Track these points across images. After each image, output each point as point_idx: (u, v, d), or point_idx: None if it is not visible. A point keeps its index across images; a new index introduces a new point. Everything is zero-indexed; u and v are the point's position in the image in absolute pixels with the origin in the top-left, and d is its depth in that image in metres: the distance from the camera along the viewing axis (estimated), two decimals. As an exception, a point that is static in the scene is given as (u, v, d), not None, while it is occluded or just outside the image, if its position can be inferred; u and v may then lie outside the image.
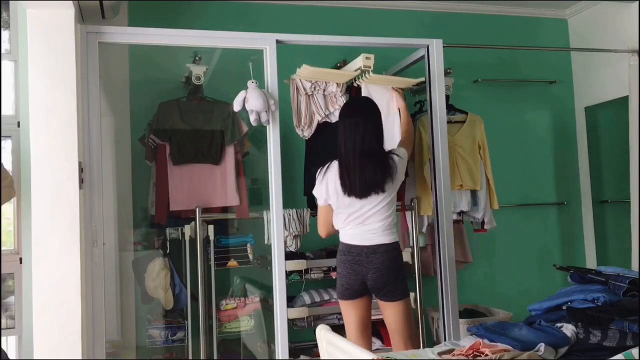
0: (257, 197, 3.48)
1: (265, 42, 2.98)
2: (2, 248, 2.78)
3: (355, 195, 2.54)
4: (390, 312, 2.62)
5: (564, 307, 2.24)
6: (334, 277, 2.68)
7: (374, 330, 3.28)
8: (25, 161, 2.70)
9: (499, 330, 2.18)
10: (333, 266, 3.20)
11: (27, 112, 2.63)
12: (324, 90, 3.11)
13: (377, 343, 3.34)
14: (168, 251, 3.36)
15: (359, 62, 3.03)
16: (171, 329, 3.31)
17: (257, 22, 3.73)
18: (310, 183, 2.96)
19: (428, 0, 4.07)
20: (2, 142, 2.78)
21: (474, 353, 1.95)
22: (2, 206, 2.58)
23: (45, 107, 2.58)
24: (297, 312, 3.20)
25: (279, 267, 2.93)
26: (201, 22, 3.54)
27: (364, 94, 3.08)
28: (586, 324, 2.05)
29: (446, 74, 3.40)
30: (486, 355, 1.91)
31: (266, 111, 2.86)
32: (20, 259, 2.77)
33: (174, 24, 3.47)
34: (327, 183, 2.61)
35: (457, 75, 3.74)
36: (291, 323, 3.20)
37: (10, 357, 2.65)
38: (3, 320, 2.76)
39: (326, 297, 3.31)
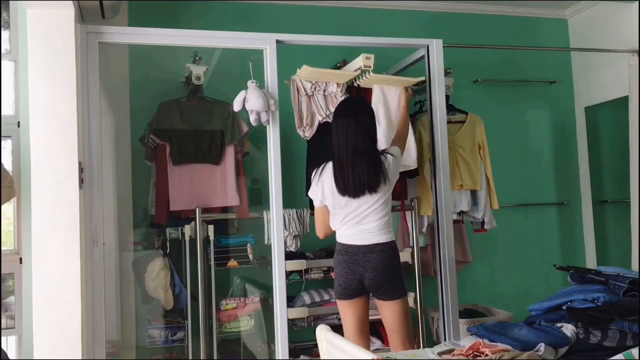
0: (257, 197, 3.48)
1: (265, 42, 2.98)
2: (2, 248, 2.78)
3: (349, 195, 2.55)
4: (387, 312, 2.62)
5: (564, 307, 2.24)
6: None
7: (374, 330, 3.28)
8: (25, 161, 2.70)
9: (499, 330, 2.18)
10: (333, 266, 3.20)
11: (27, 112, 2.63)
12: (324, 90, 3.11)
13: (377, 343, 3.34)
14: (168, 251, 3.36)
15: (359, 62, 3.03)
16: (171, 329, 3.31)
17: (257, 22, 3.73)
18: (310, 183, 2.96)
19: (428, 0, 4.07)
20: (2, 142, 2.78)
21: (474, 353, 1.95)
22: (2, 206, 2.58)
23: (45, 107, 2.58)
24: (297, 312, 3.20)
25: (279, 267, 2.93)
26: (201, 22, 3.54)
27: (376, 95, 3.09)
28: (586, 324, 2.05)
29: (446, 74, 3.40)
30: (486, 355, 1.91)
31: (266, 111, 2.86)
32: (20, 259, 2.77)
33: (174, 24, 3.47)
34: (323, 184, 2.62)
35: (457, 75, 3.74)
36: (291, 323, 3.20)
37: (10, 357, 2.65)
38: (3, 320, 2.76)
39: (326, 297, 3.31)
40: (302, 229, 3.14)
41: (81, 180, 2.66)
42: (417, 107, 3.63)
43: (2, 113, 2.69)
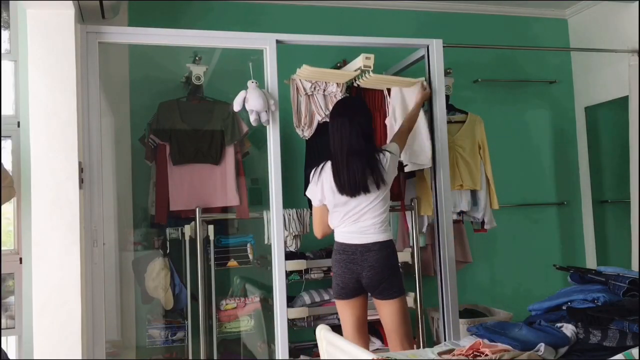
0: (257, 197, 3.48)
1: (265, 42, 2.98)
2: (2, 248, 2.78)
3: (346, 193, 2.55)
4: (386, 311, 2.61)
5: (564, 307, 2.24)
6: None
7: (374, 330, 3.28)
8: (25, 161, 2.70)
9: (499, 330, 2.18)
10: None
11: (27, 112, 2.63)
12: (324, 90, 3.11)
13: (376, 343, 3.34)
14: (168, 251, 3.36)
15: (359, 62, 3.03)
16: (171, 329, 3.31)
17: (257, 22, 3.73)
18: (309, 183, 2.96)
19: (428, 0, 4.07)
20: (2, 142, 2.77)
21: (474, 353, 1.95)
22: (2, 206, 2.58)
23: (45, 107, 2.58)
24: (297, 312, 3.20)
25: (279, 267, 2.93)
26: (201, 22, 3.54)
27: (394, 93, 3.08)
28: (586, 324, 2.05)
29: (446, 74, 3.40)
30: (486, 355, 1.91)
31: (266, 111, 2.86)
32: (20, 259, 2.77)
33: (174, 24, 3.47)
34: (323, 183, 2.62)
35: (457, 75, 3.74)
36: (291, 323, 3.19)
37: (10, 357, 2.65)
38: (3, 320, 2.76)
39: (326, 297, 3.31)
40: (302, 229, 3.14)
41: (81, 180, 2.66)
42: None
43: (2, 113, 2.69)
